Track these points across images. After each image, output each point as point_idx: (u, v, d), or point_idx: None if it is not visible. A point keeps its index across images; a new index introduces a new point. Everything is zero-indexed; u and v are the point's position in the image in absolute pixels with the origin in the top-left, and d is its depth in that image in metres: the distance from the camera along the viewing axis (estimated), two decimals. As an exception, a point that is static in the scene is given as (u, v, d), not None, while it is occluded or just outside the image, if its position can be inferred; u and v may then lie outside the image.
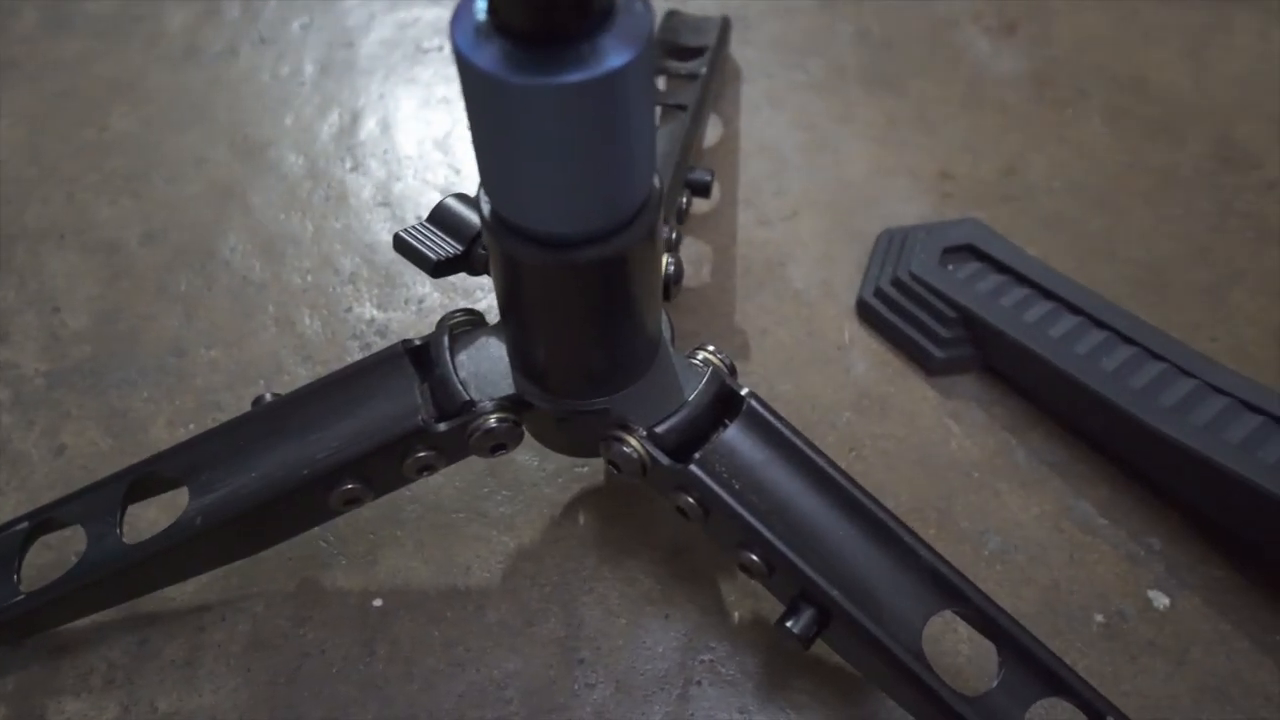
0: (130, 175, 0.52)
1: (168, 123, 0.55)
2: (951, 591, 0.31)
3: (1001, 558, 0.37)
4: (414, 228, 0.35)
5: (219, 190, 0.52)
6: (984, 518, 0.38)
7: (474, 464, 0.40)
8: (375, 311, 0.46)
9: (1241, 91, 0.53)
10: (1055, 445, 0.40)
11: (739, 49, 0.58)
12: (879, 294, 0.44)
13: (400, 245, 0.34)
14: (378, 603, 0.36)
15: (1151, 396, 0.37)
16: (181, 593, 0.36)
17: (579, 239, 0.26)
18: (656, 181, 0.27)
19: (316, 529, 0.38)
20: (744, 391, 0.32)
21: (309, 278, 0.48)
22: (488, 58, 0.21)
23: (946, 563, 0.31)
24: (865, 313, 0.45)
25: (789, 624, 0.30)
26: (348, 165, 0.53)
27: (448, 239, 0.34)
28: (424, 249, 0.34)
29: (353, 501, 0.33)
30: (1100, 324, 0.40)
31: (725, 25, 0.55)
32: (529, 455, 0.40)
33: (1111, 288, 0.45)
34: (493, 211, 0.27)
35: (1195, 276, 0.45)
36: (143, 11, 0.61)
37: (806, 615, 0.30)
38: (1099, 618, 0.35)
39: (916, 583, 0.31)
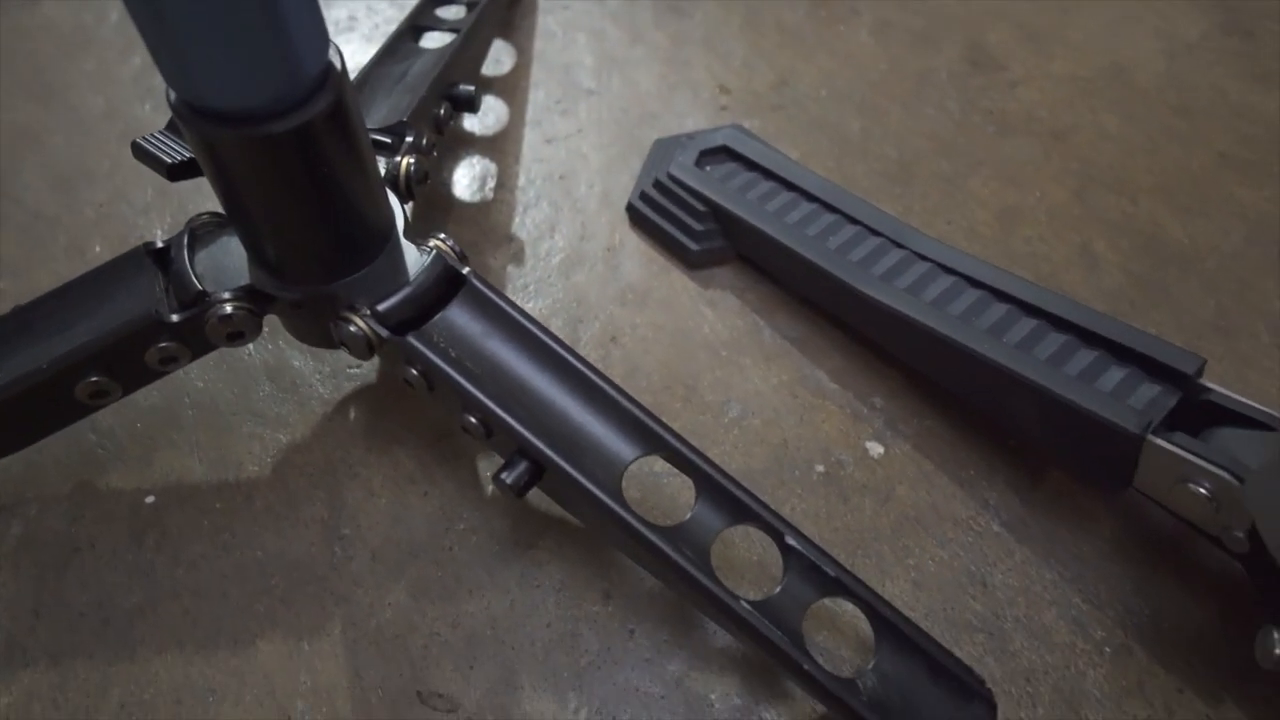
0: (-79, 122, 0.53)
1: (-39, 70, 0.55)
2: (651, 438, 0.34)
3: (740, 423, 0.41)
4: (152, 135, 0.36)
5: (15, 132, 0.52)
6: (727, 389, 0.42)
7: (251, 370, 0.42)
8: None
9: (995, 1, 0.57)
10: (797, 323, 0.44)
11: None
12: (644, 197, 0.47)
13: (138, 152, 0.36)
14: (150, 499, 0.38)
15: (868, 268, 0.41)
16: (-44, 502, 0.38)
17: (259, 113, 0.28)
18: (336, 60, 0.29)
19: (92, 436, 0.40)
20: (465, 271, 0.35)
21: (102, 209, 0.49)
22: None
23: (648, 413, 0.34)
24: (634, 216, 0.48)
25: (504, 476, 0.33)
26: (147, 106, 0.54)
27: (181, 144, 0.36)
28: (160, 154, 0.36)
29: (100, 395, 0.35)
30: (831, 209, 0.43)
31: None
32: (303, 360, 0.43)
33: (863, 181, 0.49)
34: (176, 98, 0.28)
35: (938, 168, 0.49)
36: (-62, -37, 0.61)
37: (520, 467, 0.33)
38: (820, 468, 0.39)
39: (619, 432, 0.34)
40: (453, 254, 0.36)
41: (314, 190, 0.31)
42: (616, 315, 0.44)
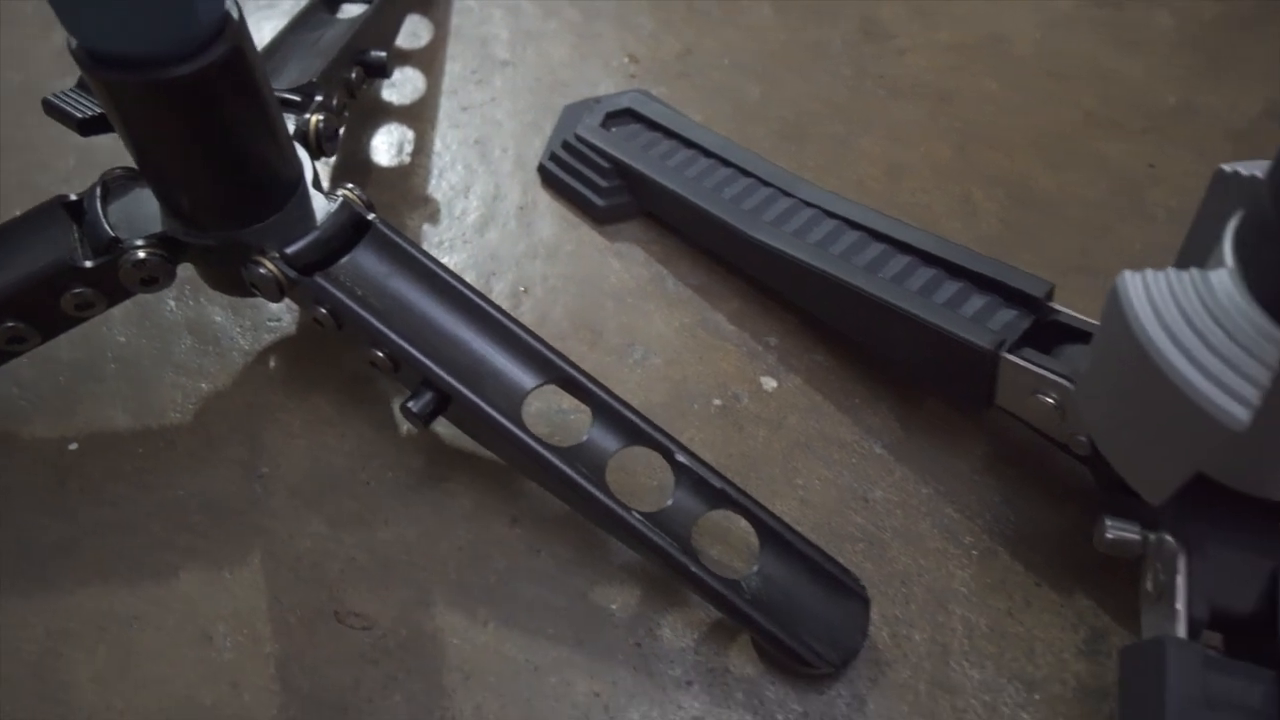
0: None
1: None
2: (550, 366, 0.36)
3: (643, 363, 0.43)
4: (63, 93, 0.38)
5: (-69, 108, 0.53)
6: (632, 333, 0.44)
7: (173, 325, 0.44)
8: (89, 207, 0.49)
9: (889, -24, 0.61)
10: (698, 271, 0.46)
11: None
12: (553, 158, 0.50)
13: (49, 108, 0.38)
14: (73, 446, 0.40)
15: (759, 216, 0.43)
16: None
17: (156, 59, 0.30)
18: (234, 11, 0.31)
19: (15, 389, 0.41)
20: (370, 217, 0.37)
21: (22, 179, 0.50)
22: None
23: (546, 344, 0.36)
24: (545, 176, 0.50)
25: (410, 405, 0.35)
26: (67, 81, 0.55)
27: (90, 99, 0.37)
28: (70, 109, 0.37)
29: (17, 340, 0.36)
30: (727, 164, 0.46)
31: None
32: (225, 315, 0.44)
33: (762, 142, 0.52)
34: (77, 45, 0.30)
35: (831, 129, 0.52)
36: None
37: (425, 397, 0.35)
38: (717, 401, 0.42)
39: (518, 362, 0.36)
40: (359, 202, 0.38)
41: (215, 137, 0.33)
42: (527, 268, 0.47)
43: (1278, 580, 0.29)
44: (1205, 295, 0.26)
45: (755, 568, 0.34)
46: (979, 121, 0.53)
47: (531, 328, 0.43)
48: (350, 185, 0.38)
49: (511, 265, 0.47)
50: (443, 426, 0.41)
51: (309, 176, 0.38)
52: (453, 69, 0.56)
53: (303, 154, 0.39)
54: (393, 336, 0.35)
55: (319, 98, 0.41)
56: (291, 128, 0.40)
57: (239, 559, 0.37)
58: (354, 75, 0.45)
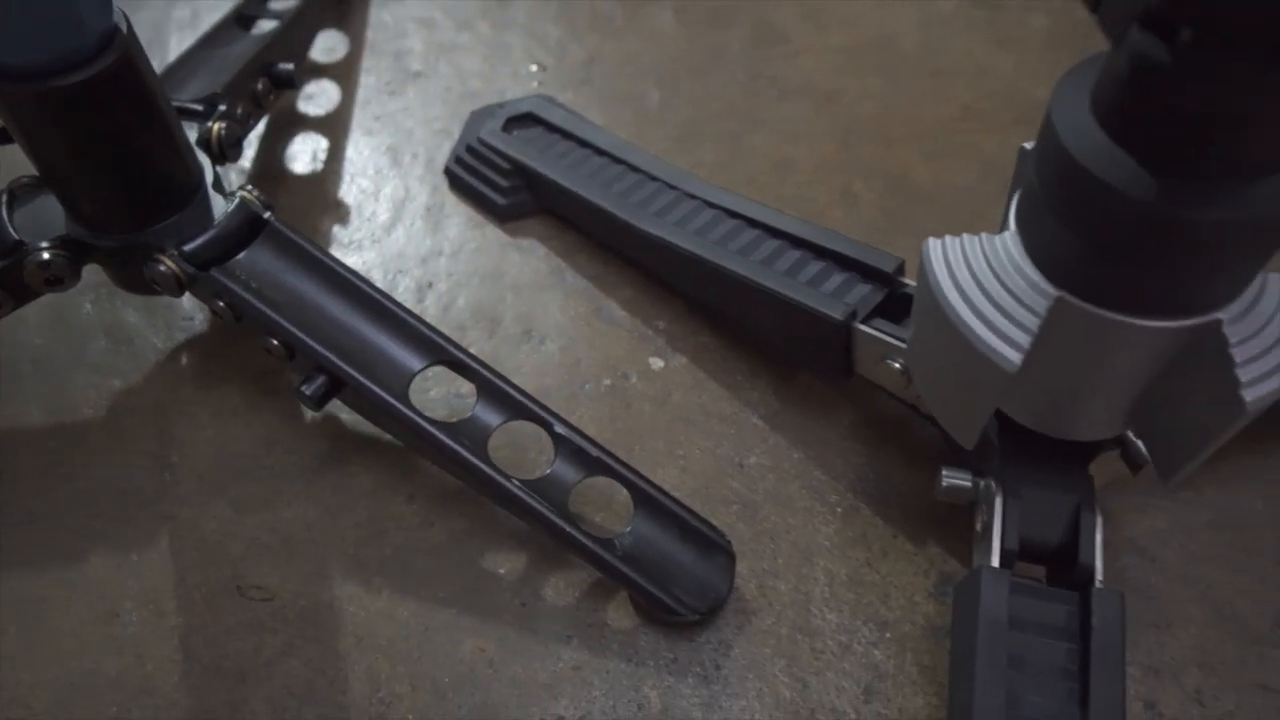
0: None
1: None
2: (436, 349, 0.39)
3: (538, 349, 0.46)
4: (-31, 107, 0.40)
5: None
6: (530, 322, 0.47)
7: (87, 328, 0.46)
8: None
9: (782, -16, 0.64)
10: (595, 264, 0.49)
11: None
12: (458, 161, 0.52)
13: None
14: (-11, 443, 0.42)
15: (645, 208, 0.46)
16: None
17: (47, 69, 0.32)
18: (123, 24, 0.34)
19: (-67, 392, 0.43)
20: (266, 216, 0.39)
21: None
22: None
23: (432, 328, 0.39)
24: (451, 178, 0.53)
25: (304, 388, 0.37)
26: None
27: (-5, 112, 0.39)
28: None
29: (-72, 340, 0.38)
30: (618, 161, 0.49)
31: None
32: (139, 316, 0.46)
33: (660, 143, 0.55)
34: (-29, 57, 0.32)
35: (725, 128, 0.56)
36: None
37: (318, 381, 0.38)
38: (607, 381, 0.45)
39: (406, 346, 0.39)
40: (257, 202, 0.40)
41: (108, 144, 0.35)
42: (433, 265, 0.49)
43: (1080, 514, 0.32)
44: (990, 255, 0.29)
45: (629, 528, 0.37)
46: (863, 117, 0.56)
47: (435, 319, 0.46)
48: (249, 187, 0.40)
49: (418, 262, 0.49)
50: (346, 414, 0.43)
51: (209, 180, 0.40)
52: (367, 81, 0.59)
53: (205, 159, 0.41)
54: (285, 325, 0.37)
55: (222, 107, 0.43)
56: (194, 135, 0.42)
57: (146, 542, 0.39)
58: (260, 86, 0.48)
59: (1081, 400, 0.30)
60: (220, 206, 0.39)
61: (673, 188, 0.47)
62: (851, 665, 0.36)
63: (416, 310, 0.47)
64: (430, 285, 0.48)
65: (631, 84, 0.58)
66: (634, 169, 0.48)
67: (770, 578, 0.38)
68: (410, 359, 0.38)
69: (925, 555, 0.38)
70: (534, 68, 0.60)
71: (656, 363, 0.45)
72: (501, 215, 0.51)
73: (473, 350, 0.45)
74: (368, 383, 0.37)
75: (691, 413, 0.43)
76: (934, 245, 0.30)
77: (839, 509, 0.40)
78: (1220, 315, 0.26)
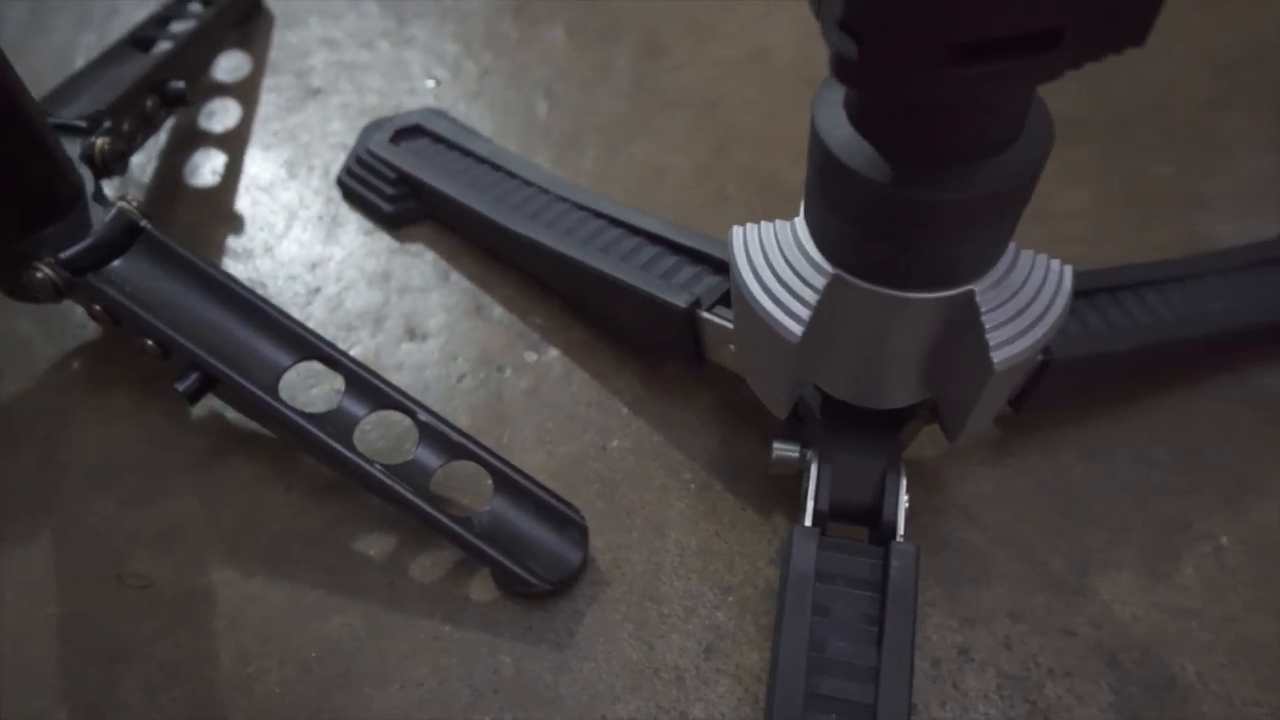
0: None
1: None
2: (305, 345, 0.41)
3: (420, 346, 0.48)
4: None
5: None
6: (414, 320, 0.49)
7: (-18, 337, 0.48)
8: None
9: (667, 1, 0.67)
10: (478, 266, 0.52)
11: (284, 1, 0.67)
12: (349, 171, 0.55)
13: None
14: (-120, 449, 0.43)
15: (518, 211, 0.49)
16: None
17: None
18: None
19: None
20: (143, 224, 0.42)
21: None
22: None
23: (303, 326, 0.41)
24: (343, 188, 0.55)
25: (178, 384, 0.40)
26: None
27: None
28: None
29: None
30: (497, 168, 0.52)
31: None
32: (32, 325, 0.48)
33: (546, 151, 0.58)
34: None
35: (608, 138, 0.59)
36: None
37: (191, 378, 0.40)
38: (483, 374, 0.47)
39: (277, 344, 0.41)
40: (134, 211, 0.42)
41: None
42: (323, 270, 0.52)
43: (886, 478, 0.35)
44: (781, 239, 0.32)
45: (487, 508, 0.39)
46: (738, 125, 0.59)
47: (322, 320, 0.48)
48: (127, 197, 0.43)
49: (308, 268, 0.52)
50: (230, 413, 0.45)
51: (90, 192, 0.42)
52: (270, 98, 0.61)
53: (87, 172, 0.43)
54: (158, 325, 0.39)
55: (107, 124, 0.46)
56: (78, 150, 0.44)
57: (30, 537, 0.41)
58: (150, 104, 0.50)
59: (874, 370, 0.33)
60: (98, 214, 0.42)
61: (546, 192, 0.50)
62: (695, 627, 0.38)
63: (304, 312, 0.49)
64: (319, 289, 0.51)
65: (522, 97, 0.61)
66: (511, 175, 0.51)
67: (625, 550, 0.41)
68: (280, 355, 0.41)
69: (770, 525, 0.41)
70: (430, 83, 0.62)
71: (530, 356, 0.48)
72: (389, 222, 0.53)
73: (357, 348, 0.48)
74: (238, 377, 0.39)
75: (561, 401, 0.46)
76: (738, 231, 0.33)
77: (693, 486, 0.43)
78: (974, 287, 0.30)
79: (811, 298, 0.30)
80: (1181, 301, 0.43)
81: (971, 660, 0.37)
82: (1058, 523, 0.41)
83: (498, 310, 0.50)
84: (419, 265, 0.52)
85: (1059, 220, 0.52)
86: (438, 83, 0.62)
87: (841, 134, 0.28)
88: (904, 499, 0.35)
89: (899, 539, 0.34)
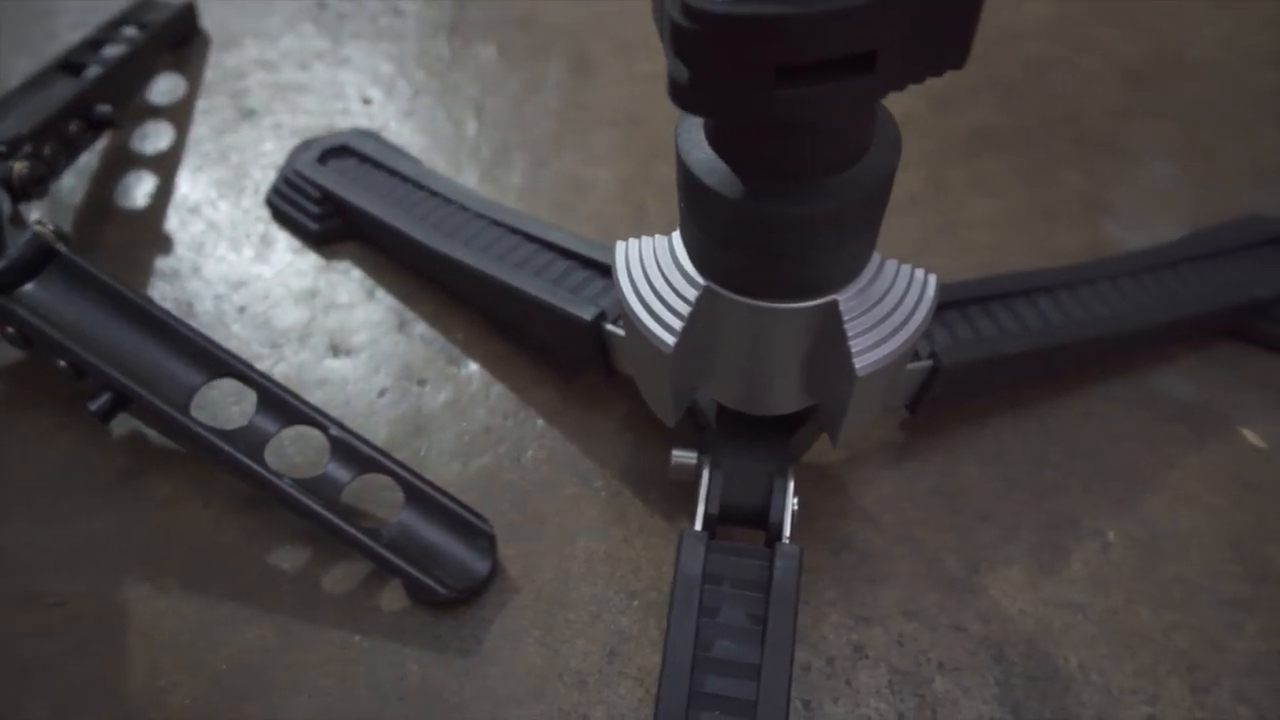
0: None
1: None
2: (219, 364, 0.42)
3: (343, 362, 0.49)
4: None
5: None
6: (338, 337, 0.50)
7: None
8: None
9: (597, 20, 0.69)
10: (404, 283, 0.53)
11: (220, 24, 0.68)
12: (277, 191, 0.56)
13: None
14: None
15: (436, 226, 0.50)
16: None
17: None
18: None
19: None
20: (58, 246, 0.42)
21: None
22: None
23: (217, 345, 0.42)
24: (271, 208, 0.56)
25: (90, 405, 0.40)
26: None
27: None
28: None
29: None
30: (420, 187, 0.53)
31: (185, 9, 0.65)
32: (-44, 347, 0.49)
33: (474, 169, 0.59)
34: None
35: (535, 154, 0.60)
36: None
37: (104, 398, 0.41)
38: (403, 389, 0.48)
39: (190, 364, 0.42)
40: (49, 235, 0.43)
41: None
42: (251, 289, 0.52)
43: (773, 483, 0.36)
44: (659, 252, 0.33)
45: (396, 519, 0.40)
46: (664, 140, 0.60)
47: (246, 338, 0.49)
48: (41, 219, 0.43)
49: (235, 287, 0.52)
50: (152, 433, 0.46)
51: (7, 214, 0.43)
52: (205, 120, 0.62)
53: (4, 195, 0.44)
54: (70, 346, 0.40)
55: (26, 148, 0.46)
56: (-5, 174, 0.45)
57: (-54, 556, 0.41)
58: (74, 128, 0.51)
59: (753, 378, 0.34)
60: (13, 237, 0.42)
61: (465, 209, 0.51)
62: (599, 632, 0.39)
63: (230, 331, 0.50)
64: (245, 308, 0.51)
65: (453, 115, 0.62)
66: (433, 193, 0.52)
67: (535, 558, 0.42)
68: (192, 374, 0.41)
69: (676, 530, 0.42)
70: (363, 103, 0.63)
71: (451, 370, 0.49)
72: (316, 241, 0.54)
73: (282, 365, 0.49)
74: (149, 396, 0.40)
75: (478, 414, 0.47)
76: (621, 246, 0.34)
77: (604, 493, 0.44)
78: (837, 296, 0.31)
79: (684, 309, 0.31)
80: (1074, 306, 0.45)
81: (866, 657, 0.38)
82: (953, 522, 0.42)
83: (420, 326, 0.51)
84: (345, 283, 0.53)
85: (967, 229, 0.54)
86: (370, 103, 0.63)
87: (699, 154, 0.29)
88: (792, 502, 0.36)
89: (784, 541, 0.35)
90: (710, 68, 0.24)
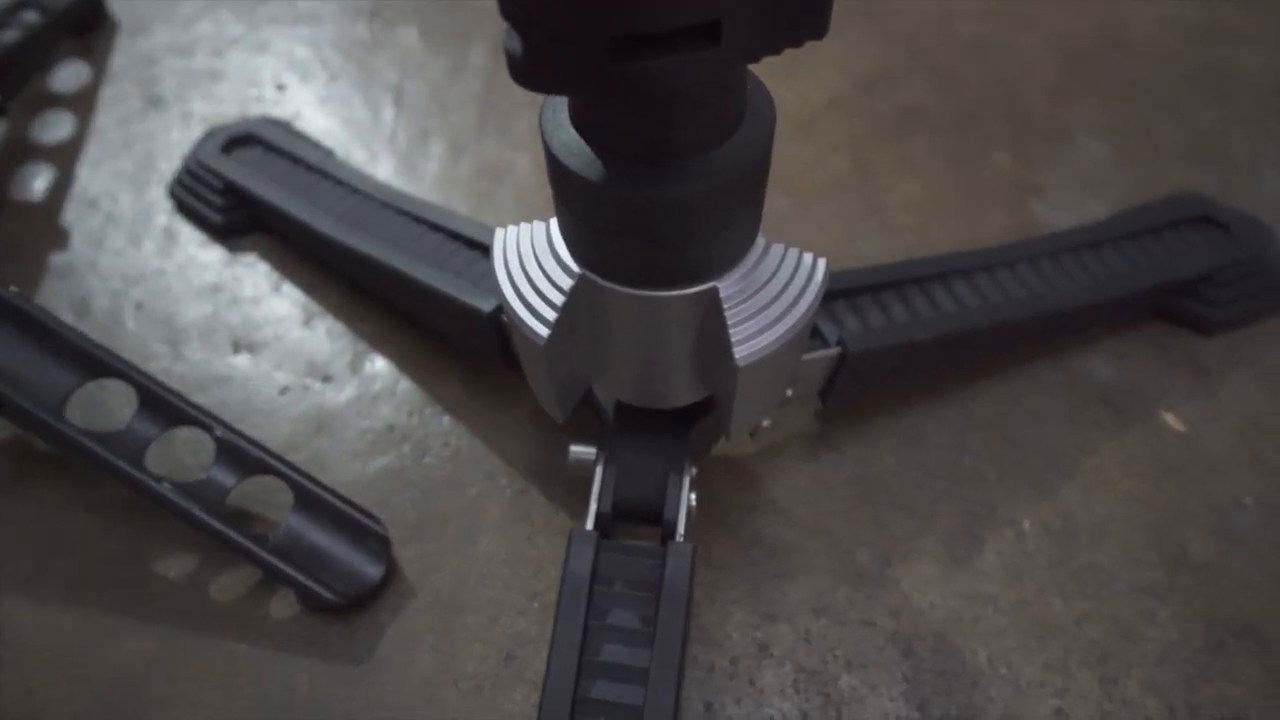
0: None
1: None
2: (97, 365, 0.40)
3: (245, 359, 0.47)
4: None
5: None
6: (241, 333, 0.48)
7: None
8: None
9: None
10: (310, 275, 0.51)
11: (131, 9, 0.66)
12: (179, 182, 0.54)
13: None
14: None
15: (334, 214, 0.48)
16: None
17: None
18: None
19: None
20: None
21: None
22: None
23: (97, 345, 0.40)
24: (174, 198, 0.54)
25: (-43, 409, 0.38)
26: None
27: None
28: None
29: None
30: (325, 175, 0.51)
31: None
32: None
33: (388, 157, 0.57)
34: None
35: (453, 140, 0.58)
36: None
37: (-28, 400, 0.39)
38: (305, 386, 0.46)
39: (65, 365, 0.40)
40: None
41: None
42: (151, 284, 0.50)
43: (669, 479, 0.35)
44: (536, 240, 0.32)
45: (284, 523, 0.39)
46: (587, 124, 0.59)
47: (144, 336, 0.47)
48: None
49: (134, 282, 0.50)
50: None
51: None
52: (111, 109, 0.60)
53: None
54: (-67, 348, 0.38)
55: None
56: None
57: None
58: (-45, 119, 0.49)
59: (641, 370, 0.33)
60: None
61: (371, 199, 0.49)
62: (497, 635, 0.38)
63: (127, 329, 0.48)
64: (142, 305, 0.49)
65: (369, 100, 0.60)
66: (339, 182, 0.50)
67: (434, 559, 0.40)
68: (66, 375, 0.39)
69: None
70: (276, 90, 0.61)
71: (356, 366, 0.47)
72: (221, 233, 0.52)
73: (182, 364, 0.47)
74: (18, 399, 0.38)
75: (382, 411, 0.45)
76: (500, 232, 0.33)
77: (509, 491, 0.42)
78: (717, 283, 0.29)
79: (558, 299, 0.30)
80: (991, 289, 0.44)
81: (771, 656, 0.37)
82: (868, 514, 0.41)
83: (327, 320, 0.49)
84: (251, 276, 0.51)
85: (891, 212, 0.53)
86: (283, 89, 0.61)
87: (562, 135, 0.27)
88: (689, 498, 0.35)
89: (678, 539, 0.34)
90: (542, 40, 0.22)
